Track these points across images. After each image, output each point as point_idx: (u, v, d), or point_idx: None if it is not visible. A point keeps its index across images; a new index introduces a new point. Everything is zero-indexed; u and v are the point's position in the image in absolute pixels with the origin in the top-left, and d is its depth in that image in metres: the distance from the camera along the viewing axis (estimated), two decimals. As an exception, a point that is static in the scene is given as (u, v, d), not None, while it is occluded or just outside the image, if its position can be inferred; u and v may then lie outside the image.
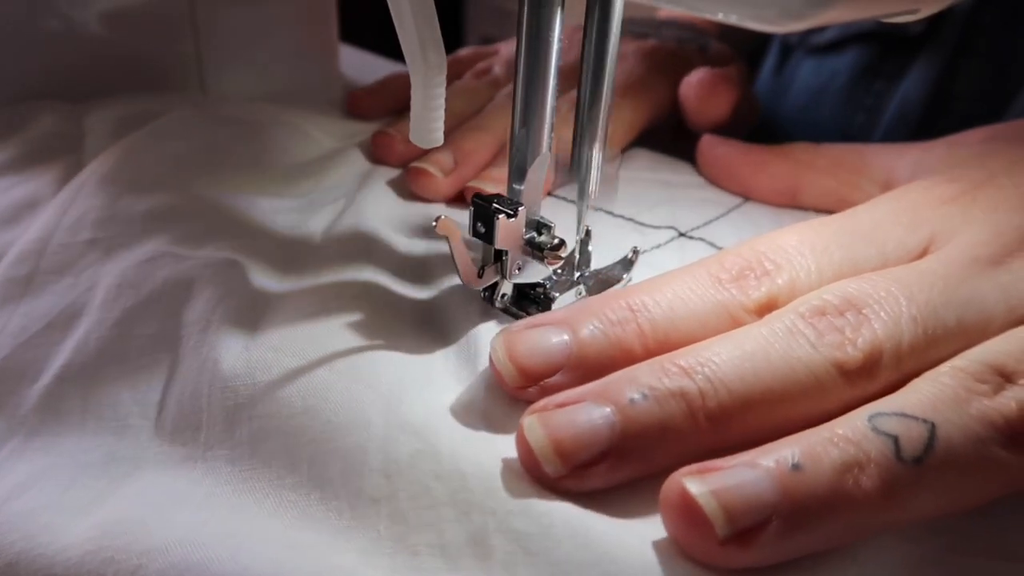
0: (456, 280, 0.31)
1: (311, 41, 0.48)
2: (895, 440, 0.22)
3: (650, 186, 0.40)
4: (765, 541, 0.21)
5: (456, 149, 0.38)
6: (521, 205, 0.28)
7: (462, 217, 0.29)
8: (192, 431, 0.26)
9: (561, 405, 0.23)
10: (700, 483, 0.21)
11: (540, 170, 0.28)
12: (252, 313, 0.29)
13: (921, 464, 0.21)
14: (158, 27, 0.43)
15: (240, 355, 0.27)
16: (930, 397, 0.23)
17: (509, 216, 0.28)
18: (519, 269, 0.29)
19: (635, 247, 0.32)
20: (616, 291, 0.27)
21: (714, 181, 0.40)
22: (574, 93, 0.44)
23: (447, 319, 0.30)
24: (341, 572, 0.22)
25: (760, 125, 0.50)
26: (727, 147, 0.40)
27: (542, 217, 0.29)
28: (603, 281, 0.31)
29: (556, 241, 0.29)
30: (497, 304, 0.29)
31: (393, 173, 0.39)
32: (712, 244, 0.35)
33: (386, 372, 0.26)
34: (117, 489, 0.25)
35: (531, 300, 0.30)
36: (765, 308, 0.26)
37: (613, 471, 0.23)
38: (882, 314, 0.24)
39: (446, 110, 0.42)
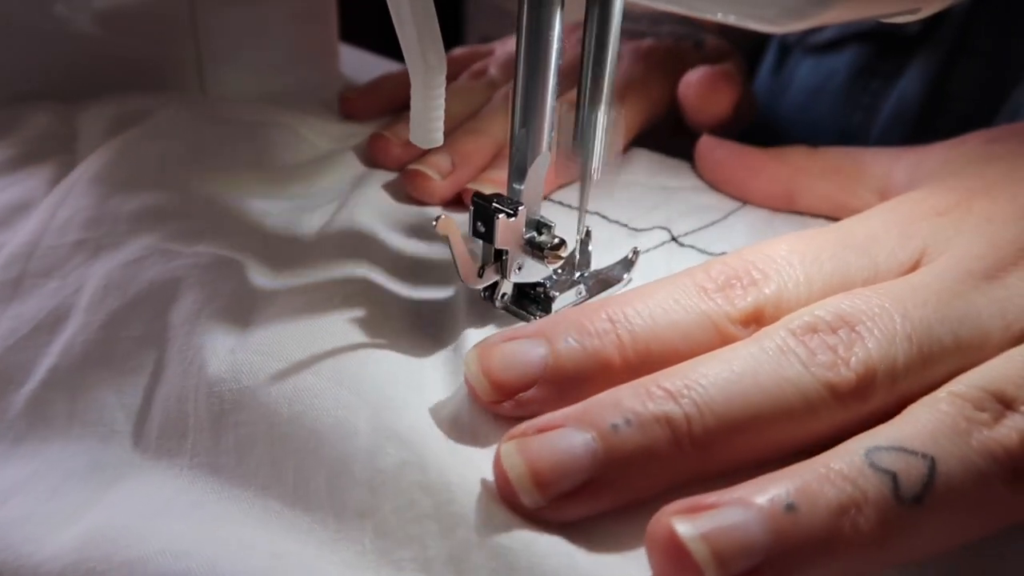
0: (449, 282, 0.31)
1: (311, 41, 0.48)
2: (893, 478, 0.21)
3: (646, 191, 0.39)
4: None
5: (454, 152, 0.38)
6: (521, 204, 0.28)
7: (460, 219, 0.28)
8: (178, 438, 0.26)
9: (541, 430, 0.22)
10: (689, 525, 0.20)
11: (540, 169, 0.28)
12: (239, 315, 0.28)
13: (920, 503, 0.21)
14: (157, 27, 0.43)
15: (226, 359, 0.26)
16: (929, 428, 0.22)
17: (509, 215, 0.28)
18: (519, 269, 0.29)
19: (635, 247, 0.33)
20: (597, 301, 0.26)
21: (712, 184, 0.40)
22: (573, 93, 0.44)
23: (439, 322, 0.29)
24: None
25: (758, 124, 0.50)
26: (724, 150, 0.40)
27: (542, 217, 0.29)
28: (603, 281, 0.31)
29: (556, 241, 0.29)
30: (497, 304, 0.29)
31: (387, 176, 0.39)
32: (703, 251, 0.34)
33: (374, 377, 0.26)
34: (102, 497, 0.25)
35: (531, 300, 0.30)
36: (751, 319, 0.25)
37: (594, 501, 0.22)
38: (876, 332, 0.23)
39: None
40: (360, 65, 0.52)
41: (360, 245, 0.33)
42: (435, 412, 0.25)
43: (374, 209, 0.36)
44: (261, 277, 0.30)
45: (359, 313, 0.29)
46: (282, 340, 0.27)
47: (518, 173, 0.29)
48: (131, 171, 0.35)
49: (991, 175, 0.29)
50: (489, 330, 0.29)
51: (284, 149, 0.40)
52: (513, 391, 0.24)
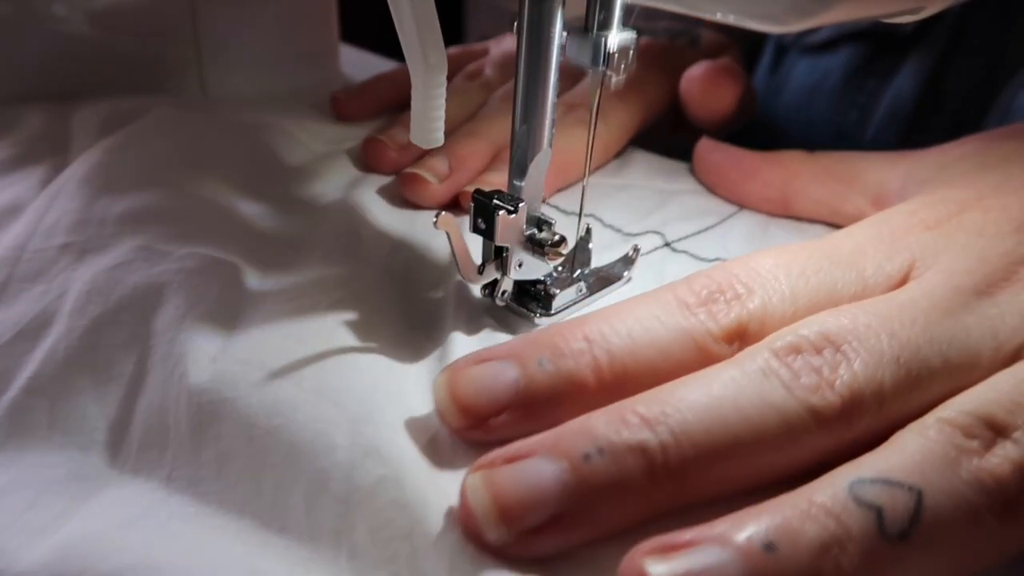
0: (439, 286, 0.31)
1: (311, 41, 0.48)
2: (878, 512, 0.20)
3: (643, 194, 0.39)
4: None
5: (451, 155, 0.38)
6: (522, 201, 0.28)
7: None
8: (159, 449, 0.26)
9: (509, 460, 0.21)
10: (663, 566, 0.19)
11: (541, 166, 0.29)
12: (223, 321, 0.28)
13: (906, 539, 0.20)
14: (157, 27, 0.43)
15: (207, 368, 0.26)
16: (916, 457, 0.21)
17: (510, 212, 0.28)
18: (519, 266, 0.29)
19: (635, 245, 0.33)
20: (574, 319, 0.25)
21: (708, 187, 0.40)
22: (572, 92, 0.44)
23: (428, 327, 0.29)
24: None
25: (756, 124, 0.50)
26: (720, 153, 0.40)
27: (543, 214, 0.29)
28: (603, 279, 0.32)
29: (557, 238, 0.29)
30: (498, 301, 0.30)
31: (381, 180, 0.38)
32: (696, 256, 0.34)
33: (356, 388, 0.25)
34: (79, 508, 0.25)
35: (531, 296, 0.30)
36: (734, 335, 0.25)
37: (564, 535, 0.21)
38: (862, 352, 0.23)
39: None
40: (360, 65, 0.52)
41: (351, 249, 0.32)
42: (415, 425, 0.24)
43: (366, 213, 0.35)
44: (248, 281, 0.30)
45: (346, 318, 0.28)
46: (265, 349, 0.26)
47: (519, 170, 0.29)
48: (120, 172, 0.34)
49: (983, 185, 0.29)
50: (477, 336, 0.28)
51: (277, 151, 0.39)
52: (483, 417, 0.23)
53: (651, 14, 0.50)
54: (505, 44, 0.50)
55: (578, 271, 0.31)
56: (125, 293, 0.29)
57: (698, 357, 0.24)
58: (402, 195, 0.37)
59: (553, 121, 0.28)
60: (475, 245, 0.29)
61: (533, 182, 0.29)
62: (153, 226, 0.32)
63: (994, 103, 0.45)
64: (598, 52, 0.27)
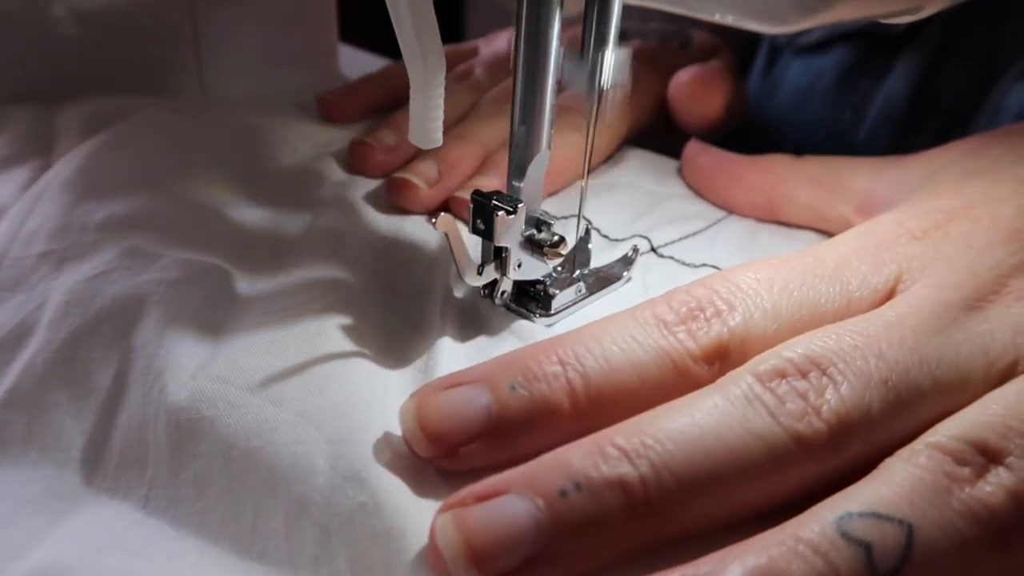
0: (426, 295, 0.31)
1: (311, 41, 0.47)
2: (867, 549, 0.19)
3: (632, 196, 0.39)
4: None
5: (440, 159, 0.37)
6: (521, 202, 0.28)
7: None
8: (138, 468, 0.25)
9: (481, 498, 0.20)
10: None
11: (540, 167, 0.29)
12: (204, 335, 0.27)
13: None
14: (157, 27, 0.42)
15: (186, 385, 0.25)
16: (905, 488, 0.20)
17: (509, 213, 0.28)
18: (519, 266, 0.29)
19: (635, 245, 0.33)
20: (548, 339, 0.24)
21: (696, 191, 0.40)
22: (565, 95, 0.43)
23: (413, 338, 0.29)
24: None
25: (750, 125, 0.50)
26: (708, 157, 0.39)
27: (542, 214, 0.29)
28: (603, 279, 0.32)
29: (556, 238, 0.29)
30: (497, 301, 0.30)
31: (369, 184, 0.38)
32: (681, 262, 0.34)
33: (338, 408, 0.24)
34: (55, 529, 0.24)
35: (531, 297, 0.30)
36: (714, 355, 0.24)
37: None
38: (849, 375, 0.22)
39: None
40: (360, 65, 0.51)
41: (336, 257, 0.32)
42: (398, 447, 0.24)
43: (353, 218, 0.35)
44: (231, 292, 0.29)
45: (329, 331, 0.27)
46: (245, 366, 0.26)
47: (518, 170, 0.29)
48: (102, 176, 0.34)
49: (971, 193, 0.28)
50: (464, 346, 0.28)
51: (263, 154, 0.38)
52: (453, 446, 0.22)
53: (643, 15, 0.50)
54: (496, 44, 0.49)
55: (577, 271, 0.31)
56: (104, 304, 0.28)
57: (677, 379, 0.23)
58: (389, 200, 0.36)
59: (551, 122, 0.28)
60: (473, 245, 0.29)
61: (532, 183, 0.29)
62: (134, 233, 0.31)
63: (985, 102, 0.45)
64: (595, 74, 0.27)
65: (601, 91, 0.28)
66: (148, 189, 0.33)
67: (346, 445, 0.23)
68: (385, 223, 0.35)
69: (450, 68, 0.46)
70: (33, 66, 0.42)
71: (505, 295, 0.30)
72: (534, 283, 0.30)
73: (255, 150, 0.39)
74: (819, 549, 0.19)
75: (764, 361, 0.23)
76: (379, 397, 0.25)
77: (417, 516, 0.22)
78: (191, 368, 0.26)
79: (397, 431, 0.24)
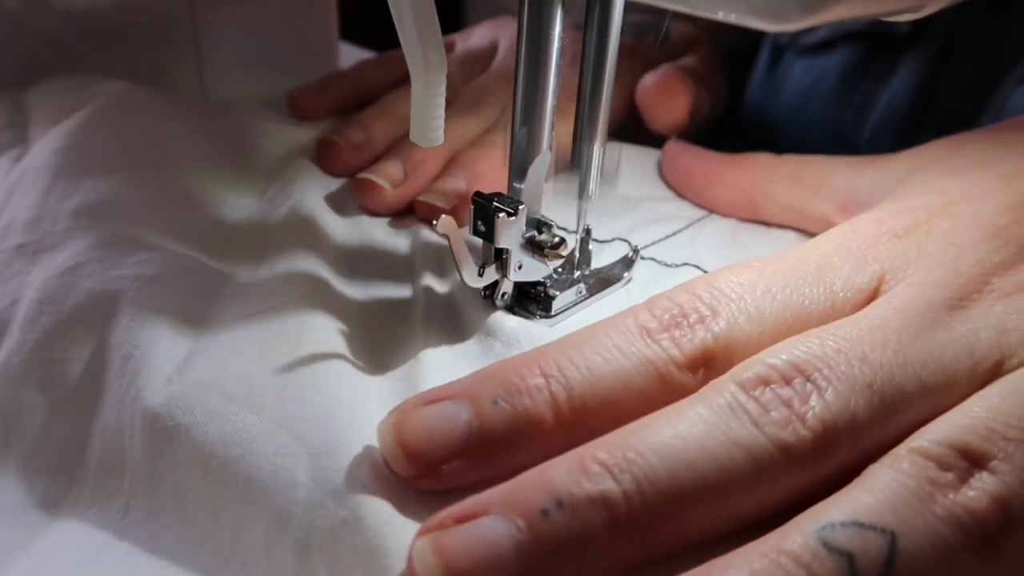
0: (406, 296, 0.30)
1: (311, 41, 0.47)
2: (850, 559, 0.19)
3: (610, 198, 0.37)
4: None
5: (406, 159, 0.36)
6: (522, 203, 0.28)
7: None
8: (116, 476, 0.25)
9: (460, 519, 0.20)
10: None
11: (540, 169, 0.29)
12: (180, 337, 0.26)
13: None
14: (157, 27, 0.42)
15: (161, 390, 0.24)
16: (888, 495, 0.20)
17: (510, 214, 0.28)
18: (519, 268, 0.29)
19: (635, 246, 0.33)
20: (530, 351, 0.24)
21: (676, 191, 0.39)
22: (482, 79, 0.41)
23: (394, 341, 0.28)
24: None
25: (753, 125, 0.50)
26: (688, 155, 0.39)
27: (543, 215, 0.29)
28: (603, 280, 0.32)
29: (557, 239, 0.29)
30: (498, 303, 0.30)
31: (336, 182, 0.37)
32: (662, 263, 0.33)
33: (318, 417, 0.24)
34: (32, 542, 0.24)
35: (531, 298, 0.30)
36: (699, 362, 0.23)
37: None
38: (834, 380, 0.22)
39: (392, 114, 0.39)
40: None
41: (313, 257, 0.31)
42: (380, 460, 0.23)
43: (332, 217, 0.34)
44: (209, 290, 0.28)
45: (309, 334, 0.27)
46: (223, 369, 0.25)
47: (518, 172, 0.29)
48: (76, 159, 0.32)
49: (952, 191, 0.28)
50: (448, 349, 0.28)
51: (238, 149, 0.38)
52: (434, 464, 0.22)
53: (625, 7, 0.49)
54: (472, 40, 0.48)
55: (578, 273, 0.31)
56: (78, 302, 0.27)
57: (662, 388, 0.23)
58: (355, 200, 0.36)
59: (552, 123, 0.28)
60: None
61: (533, 184, 0.29)
62: (108, 223, 0.30)
63: (989, 103, 0.45)
64: (584, 164, 0.29)
65: (589, 187, 0.29)
66: (123, 173, 0.32)
67: (328, 457, 0.23)
68: (365, 222, 0.35)
69: None
70: (33, 66, 0.41)
71: (506, 296, 0.30)
72: (535, 284, 0.30)
73: (228, 144, 0.38)
74: (801, 561, 0.19)
75: (747, 368, 0.22)
76: (362, 406, 0.25)
77: (400, 533, 0.21)
78: (167, 371, 0.25)
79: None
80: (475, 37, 0.49)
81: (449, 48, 0.48)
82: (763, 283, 0.25)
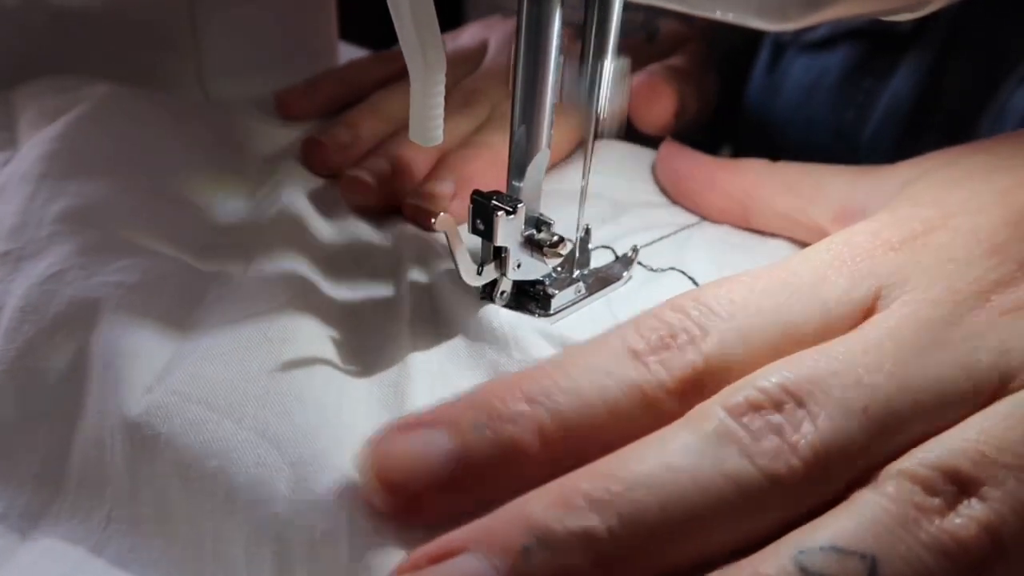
0: (392, 296, 0.30)
1: (311, 41, 0.47)
2: None
3: (598, 203, 0.37)
4: None
5: (393, 158, 0.36)
6: (521, 202, 0.28)
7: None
8: (98, 486, 0.24)
9: (436, 559, 0.19)
10: None
11: (540, 167, 0.29)
12: (161, 345, 0.26)
13: None
14: (157, 27, 0.42)
15: (142, 399, 0.24)
16: (871, 519, 0.19)
17: (509, 213, 0.28)
18: (518, 266, 0.29)
19: (635, 245, 0.33)
20: (515, 374, 0.23)
21: (669, 195, 0.39)
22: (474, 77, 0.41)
23: (380, 345, 0.28)
24: None
25: (753, 123, 0.50)
26: (681, 160, 0.38)
27: (542, 214, 0.29)
28: (602, 279, 0.32)
29: (556, 238, 0.29)
30: (497, 301, 0.30)
31: (334, 183, 0.37)
32: (649, 268, 0.33)
33: (300, 428, 0.23)
34: (15, 553, 0.23)
35: (530, 297, 0.30)
36: (688, 384, 0.22)
37: None
38: (827, 405, 0.21)
39: (380, 113, 0.39)
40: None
41: (298, 259, 0.31)
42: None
43: (317, 220, 0.34)
44: (190, 297, 0.28)
45: (293, 339, 0.26)
46: (203, 377, 0.24)
47: (517, 171, 0.29)
48: (61, 165, 0.32)
49: (950, 203, 0.27)
50: (434, 352, 0.27)
51: (226, 150, 0.38)
52: (414, 496, 0.21)
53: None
54: (461, 40, 0.48)
55: (577, 271, 0.31)
56: (60, 310, 0.27)
57: (649, 412, 0.22)
58: (342, 198, 0.36)
59: (551, 122, 0.28)
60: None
61: (531, 183, 0.29)
62: (90, 229, 0.30)
63: (991, 103, 0.45)
64: (594, 85, 0.27)
65: (599, 102, 0.27)
66: (108, 177, 0.32)
67: (309, 468, 0.22)
68: (353, 224, 0.34)
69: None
70: (32, 65, 0.41)
71: (504, 295, 0.30)
72: (533, 283, 0.30)
73: (216, 144, 0.38)
74: None
75: (737, 392, 0.21)
76: (347, 415, 0.24)
77: (380, 548, 0.21)
78: (147, 380, 0.25)
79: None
80: (464, 37, 0.49)
81: None
82: (754, 300, 0.24)
